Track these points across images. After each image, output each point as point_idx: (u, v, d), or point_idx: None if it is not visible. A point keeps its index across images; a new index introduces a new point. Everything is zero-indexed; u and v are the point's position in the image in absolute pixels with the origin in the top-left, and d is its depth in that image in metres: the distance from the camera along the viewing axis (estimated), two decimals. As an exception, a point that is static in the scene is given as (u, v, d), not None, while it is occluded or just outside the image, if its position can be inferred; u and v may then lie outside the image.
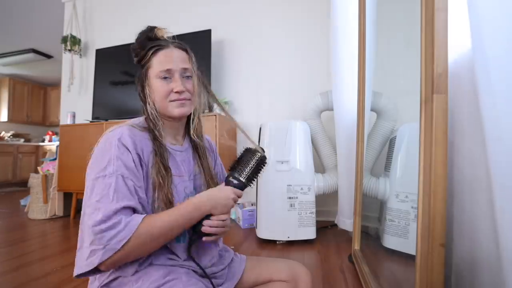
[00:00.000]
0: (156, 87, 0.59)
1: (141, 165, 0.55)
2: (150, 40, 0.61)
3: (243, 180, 0.59)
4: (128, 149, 0.53)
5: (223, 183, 0.61)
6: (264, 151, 0.61)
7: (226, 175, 0.61)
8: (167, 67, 0.58)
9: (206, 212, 0.56)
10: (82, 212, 0.51)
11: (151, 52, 0.59)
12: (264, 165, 0.61)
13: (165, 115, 0.62)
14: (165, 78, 0.59)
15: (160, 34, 0.61)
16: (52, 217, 2.35)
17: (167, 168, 0.58)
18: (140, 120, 0.63)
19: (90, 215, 0.48)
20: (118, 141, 0.53)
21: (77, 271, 0.49)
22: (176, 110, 0.60)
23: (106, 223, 0.46)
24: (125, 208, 0.49)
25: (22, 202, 2.98)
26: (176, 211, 0.53)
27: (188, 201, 0.56)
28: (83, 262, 0.48)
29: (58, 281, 1.15)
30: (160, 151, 0.58)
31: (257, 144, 0.61)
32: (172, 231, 0.53)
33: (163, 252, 0.57)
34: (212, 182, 0.67)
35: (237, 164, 0.61)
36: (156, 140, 0.59)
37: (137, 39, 0.61)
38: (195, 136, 0.67)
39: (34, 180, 2.38)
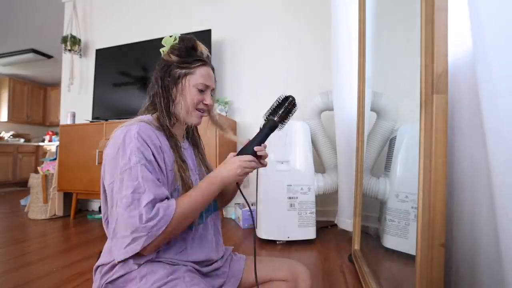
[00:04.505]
0: (192, 94, 0.65)
1: (161, 159, 0.58)
2: (194, 50, 0.67)
3: (276, 119, 0.65)
4: (147, 143, 0.56)
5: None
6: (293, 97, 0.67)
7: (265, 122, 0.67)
8: (208, 83, 0.66)
9: (221, 185, 0.60)
10: (111, 204, 0.55)
11: (198, 63, 0.65)
12: (294, 106, 0.68)
13: (182, 119, 0.66)
14: (202, 90, 0.65)
15: (200, 49, 0.68)
16: (52, 217, 2.35)
17: (184, 162, 0.63)
18: (148, 118, 0.63)
19: (127, 208, 0.51)
20: (138, 134, 0.56)
21: (119, 257, 0.53)
22: (197, 119, 0.68)
23: (147, 215, 0.51)
24: (156, 199, 0.53)
25: (22, 202, 2.98)
26: (197, 189, 0.59)
27: (204, 179, 0.61)
28: (121, 249, 0.52)
29: (58, 281, 1.15)
30: (176, 147, 0.63)
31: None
32: (200, 206, 0.58)
33: (171, 247, 0.59)
34: None
35: (272, 110, 0.67)
36: (172, 137, 0.63)
37: (183, 42, 0.66)
38: (198, 136, 0.78)
39: (34, 180, 2.38)
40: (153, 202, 0.52)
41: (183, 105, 0.64)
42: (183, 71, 0.64)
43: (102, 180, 0.59)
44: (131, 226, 0.51)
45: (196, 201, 0.57)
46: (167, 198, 0.55)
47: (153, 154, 0.56)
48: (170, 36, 0.67)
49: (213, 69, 0.69)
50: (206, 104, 0.66)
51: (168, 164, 0.60)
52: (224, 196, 0.75)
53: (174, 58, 0.65)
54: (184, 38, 0.66)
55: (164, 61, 0.66)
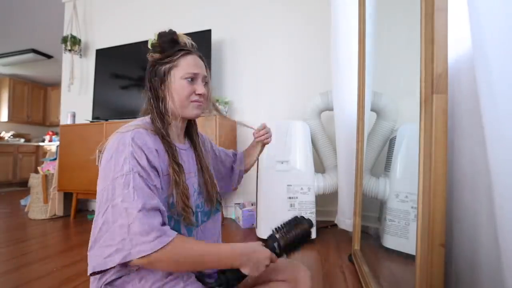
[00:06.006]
0: (181, 86, 0.62)
1: (157, 165, 0.56)
2: (175, 43, 0.64)
3: (282, 246, 0.60)
4: (142, 149, 0.54)
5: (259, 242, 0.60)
6: (312, 225, 0.63)
7: (270, 234, 0.62)
8: (195, 71, 0.63)
9: (236, 264, 0.55)
10: (98, 211, 0.52)
11: (180, 54, 0.63)
12: (308, 239, 0.63)
13: (179, 114, 0.64)
14: (191, 80, 0.62)
15: (182, 39, 0.65)
16: (52, 217, 2.35)
17: (179, 165, 0.60)
18: (145, 121, 0.63)
19: (117, 217, 0.49)
20: (132, 140, 0.54)
21: (96, 268, 0.49)
22: (195, 111, 0.65)
23: (137, 228, 0.47)
24: (149, 209, 0.50)
25: (22, 202, 2.98)
26: (210, 247, 0.55)
27: (228, 244, 0.57)
28: (100, 259, 0.48)
29: (58, 281, 1.15)
30: (171, 150, 0.60)
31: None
32: (196, 265, 0.53)
33: None
34: (210, 180, 0.71)
35: (282, 227, 0.63)
36: (164, 139, 0.61)
37: (161, 37, 0.63)
38: (196, 136, 0.73)
39: (34, 180, 2.38)
40: (143, 210, 0.49)
41: (175, 100, 0.62)
42: (167, 66, 0.62)
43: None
44: (117, 236, 0.48)
45: (202, 255, 0.52)
46: (159, 209, 0.52)
47: (148, 159, 0.54)
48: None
49: (201, 57, 0.66)
50: (200, 94, 0.63)
51: (163, 168, 0.58)
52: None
53: (156, 55, 0.64)
54: (162, 33, 0.64)
55: (149, 62, 0.65)
